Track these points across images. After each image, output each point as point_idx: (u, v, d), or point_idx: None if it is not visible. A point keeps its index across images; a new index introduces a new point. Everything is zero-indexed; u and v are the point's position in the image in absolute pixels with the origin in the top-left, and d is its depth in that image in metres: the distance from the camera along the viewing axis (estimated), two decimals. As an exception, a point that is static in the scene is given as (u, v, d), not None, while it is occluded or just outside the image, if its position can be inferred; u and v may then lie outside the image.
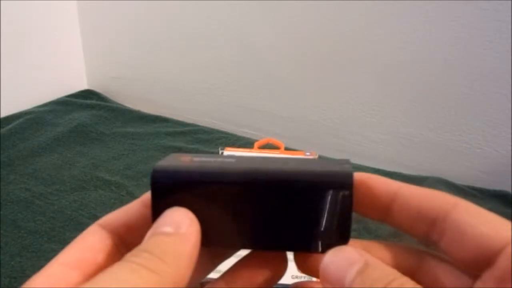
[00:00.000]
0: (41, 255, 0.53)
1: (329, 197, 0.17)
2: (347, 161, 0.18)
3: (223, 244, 0.18)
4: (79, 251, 0.17)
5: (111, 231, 0.18)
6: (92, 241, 0.17)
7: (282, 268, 0.19)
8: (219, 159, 0.19)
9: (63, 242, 0.55)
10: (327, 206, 0.17)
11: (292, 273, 0.48)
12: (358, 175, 0.18)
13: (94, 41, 1.04)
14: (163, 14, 0.92)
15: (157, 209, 0.17)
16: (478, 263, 0.15)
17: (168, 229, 0.16)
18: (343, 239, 0.17)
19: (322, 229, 0.17)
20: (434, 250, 0.17)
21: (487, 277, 0.15)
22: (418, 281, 0.15)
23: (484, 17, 0.65)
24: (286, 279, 0.50)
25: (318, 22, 0.77)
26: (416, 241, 0.18)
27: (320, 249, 0.17)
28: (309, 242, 0.17)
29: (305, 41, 0.80)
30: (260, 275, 0.19)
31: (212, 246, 0.18)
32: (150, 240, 0.16)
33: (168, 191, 0.17)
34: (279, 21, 0.81)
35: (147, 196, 0.18)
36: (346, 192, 0.17)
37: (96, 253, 0.17)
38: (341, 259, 0.16)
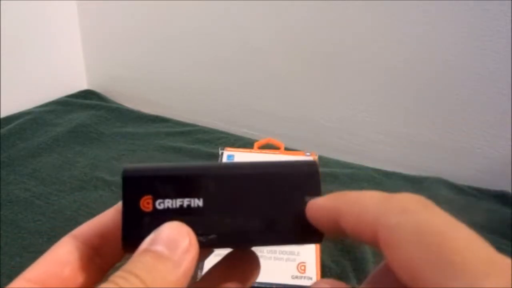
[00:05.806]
0: (41, 255, 0.53)
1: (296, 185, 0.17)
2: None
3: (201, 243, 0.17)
4: (45, 265, 0.16)
5: (84, 242, 0.17)
6: (60, 254, 0.17)
7: (255, 268, 0.19)
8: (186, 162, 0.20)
9: (63, 242, 0.55)
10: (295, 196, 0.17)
11: (292, 273, 0.48)
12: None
13: (94, 41, 1.04)
14: (163, 14, 0.92)
15: (128, 202, 0.16)
16: None
17: (161, 249, 0.15)
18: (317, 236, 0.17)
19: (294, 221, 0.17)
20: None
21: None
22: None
23: (484, 17, 0.65)
24: (286, 279, 0.50)
25: (319, 22, 0.77)
26: None
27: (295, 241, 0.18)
28: (283, 236, 0.17)
29: (306, 41, 0.80)
30: (234, 276, 0.18)
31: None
32: (141, 259, 0.15)
33: (140, 181, 0.17)
34: (280, 21, 0.81)
35: (120, 203, 0.18)
36: (313, 177, 0.18)
37: (63, 266, 0.16)
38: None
